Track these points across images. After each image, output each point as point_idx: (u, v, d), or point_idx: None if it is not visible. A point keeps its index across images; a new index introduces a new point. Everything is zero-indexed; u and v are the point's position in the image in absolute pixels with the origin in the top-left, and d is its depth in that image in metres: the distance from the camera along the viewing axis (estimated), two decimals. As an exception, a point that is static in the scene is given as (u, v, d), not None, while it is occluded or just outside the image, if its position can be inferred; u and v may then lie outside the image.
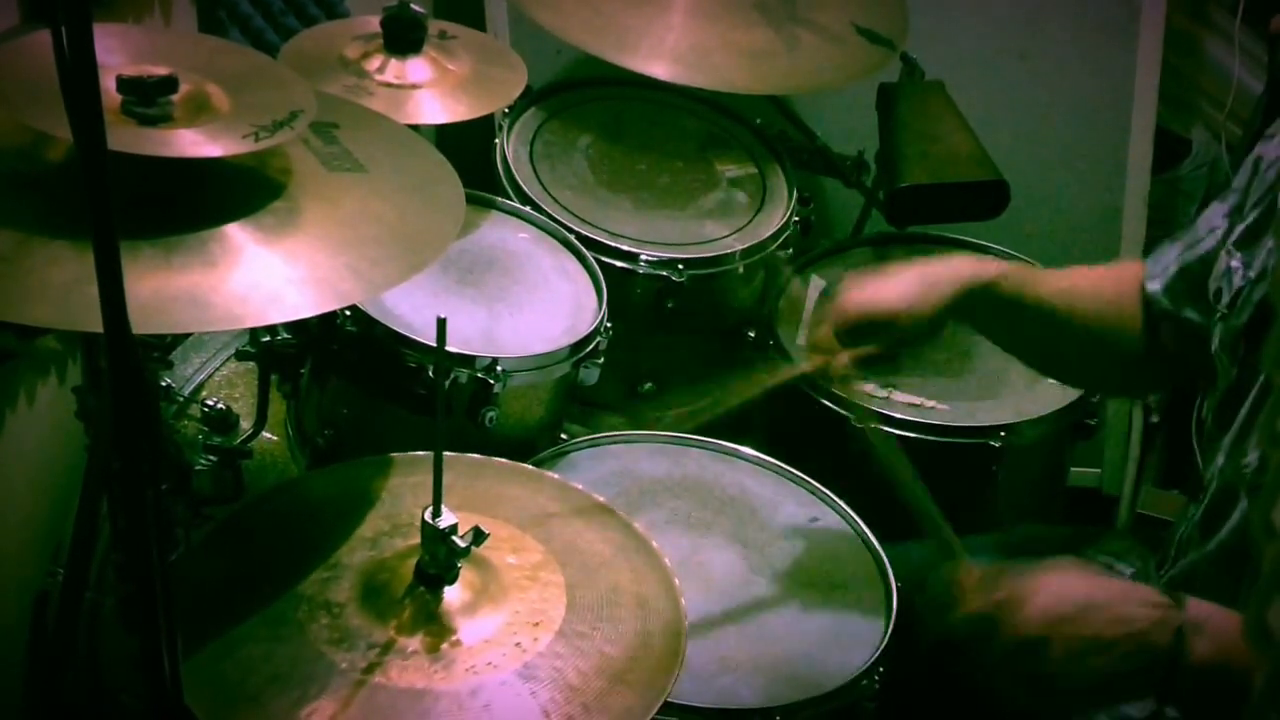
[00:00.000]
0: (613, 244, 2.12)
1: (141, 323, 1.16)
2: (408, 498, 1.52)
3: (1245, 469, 1.42)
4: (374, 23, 2.01)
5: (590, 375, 1.94)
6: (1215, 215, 1.59)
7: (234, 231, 1.38)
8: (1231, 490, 1.45)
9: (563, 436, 1.97)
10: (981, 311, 1.75)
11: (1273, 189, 1.48)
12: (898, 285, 1.73)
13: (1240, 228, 1.52)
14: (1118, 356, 1.71)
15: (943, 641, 1.44)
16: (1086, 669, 1.31)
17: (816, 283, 2.33)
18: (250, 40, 2.23)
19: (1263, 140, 1.54)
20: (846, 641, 1.65)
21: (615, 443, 1.92)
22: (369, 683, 1.27)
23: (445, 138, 2.31)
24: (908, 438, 2.03)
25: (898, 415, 2.04)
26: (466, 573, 1.36)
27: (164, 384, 1.89)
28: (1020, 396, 2.13)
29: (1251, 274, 1.48)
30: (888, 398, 2.11)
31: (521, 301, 1.96)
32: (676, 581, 1.47)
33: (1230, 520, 1.45)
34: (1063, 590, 1.36)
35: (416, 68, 1.98)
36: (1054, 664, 1.32)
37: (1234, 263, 1.51)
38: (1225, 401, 1.50)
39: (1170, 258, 1.65)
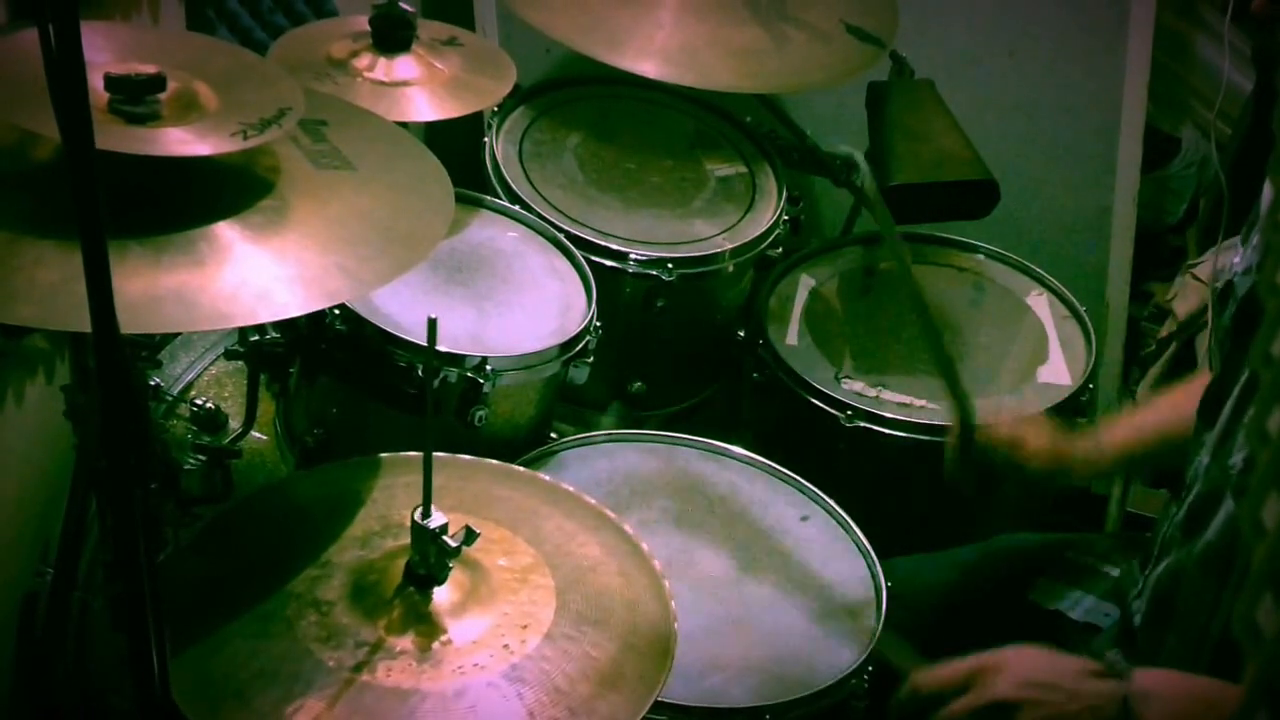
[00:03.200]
0: (602, 243, 2.12)
1: (130, 322, 1.15)
2: (399, 497, 1.52)
3: (1231, 469, 1.42)
4: (362, 21, 2.01)
5: (580, 374, 1.94)
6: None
7: (222, 230, 1.38)
8: (1217, 491, 1.45)
9: (552, 436, 1.97)
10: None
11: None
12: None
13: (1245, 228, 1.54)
14: None
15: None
16: None
17: (806, 282, 2.33)
18: (238, 38, 2.22)
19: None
20: (835, 640, 1.65)
21: (605, 442, 1.92)
22: (356, 682, 1.27)
23: (434, 136, 2.31)
24: (897, 437, 2.03)
25: (887, 415, 2.04)
26: (456, 573, 1.35)
27: (152, 383, 1.88)
28: (1010, 395, 2.13)
29: (1239, 270, 1.48)
30: (877, 396, 2.12)
31: (511, 301, 1.96)
32: (666, 583, 1.47)
33: (1215, 521, 1.45)
34: (1034, 664, 1.43)
35: (405, 66, 1.98)
36: None
37: (1236, 257, 1.52)
38: (1210, 397, 1.50)
39: None
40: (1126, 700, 1.35)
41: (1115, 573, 1.73)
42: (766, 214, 2.29)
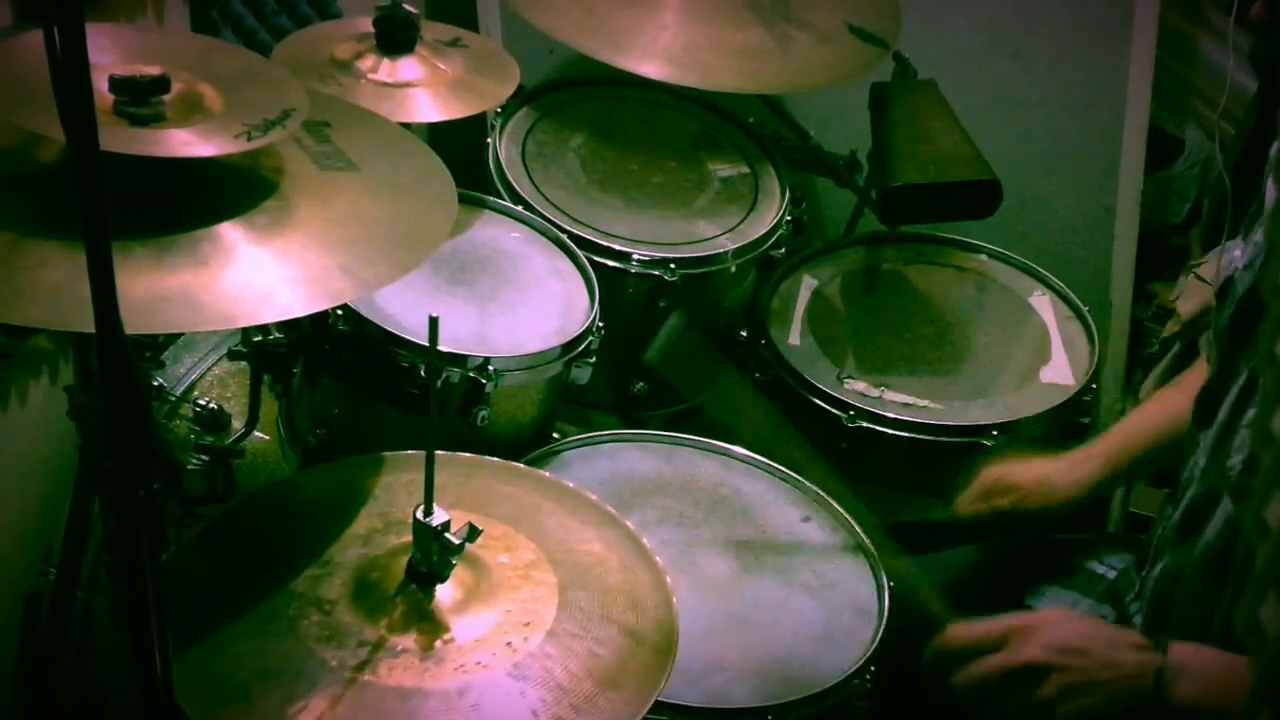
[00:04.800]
0: (605, 243, 2.12)
1: (133, 323, 1.16)
2: (402, 495, 1.52)
3: (1229, 471, 1.41)
4: (366, 23, 2.01)
5: (582, 375, 1.94)
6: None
7: (226, 231, 1.38)
8: (1214, 492, 1.45)
9: (555, 436, 1.97)
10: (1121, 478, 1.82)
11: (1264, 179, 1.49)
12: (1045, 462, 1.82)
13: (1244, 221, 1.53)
14: None
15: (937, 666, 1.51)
16: (1077, 705, 1.38)
17: (809, 282, 2.33)
18: (243, 40, 2.23)
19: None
20: (838, 640, 1.65)
21: (607, 442, 1.92)
22: (358, 681, 1.27)
23: (437, 137, 2.31)
24: (900, 437, 2.03)
25: (890, 415, 2.05)
26: (459, 571, 1.36)
27: (156, 384, 1.89)
28: (1013, 395, 2.13)
29: (1239, 265, 1.48)
30: (879, 397, 2.12)
31: (513, 301, 1.96)
32: (669, 581, 1.47)
33: (1213, 523, 1.45)
34: (1066, 628, 1.43)
35: (409, 67, 1.99)
36: (1049, 693, 1.38)
37: (1236, 252, 1.52)
38: (1206, 397, 1.50)
39: None
40: (1161, 672, 1.34)
41: (1112, 574, 1.73)
42: (769, 214, 2.29)
